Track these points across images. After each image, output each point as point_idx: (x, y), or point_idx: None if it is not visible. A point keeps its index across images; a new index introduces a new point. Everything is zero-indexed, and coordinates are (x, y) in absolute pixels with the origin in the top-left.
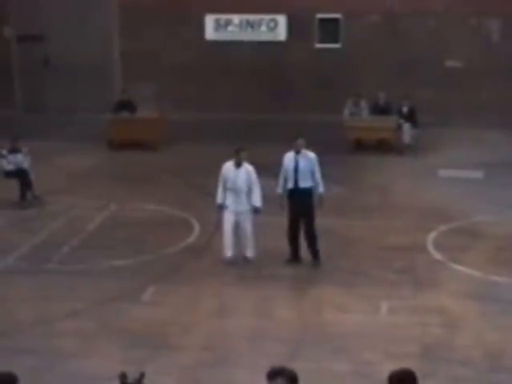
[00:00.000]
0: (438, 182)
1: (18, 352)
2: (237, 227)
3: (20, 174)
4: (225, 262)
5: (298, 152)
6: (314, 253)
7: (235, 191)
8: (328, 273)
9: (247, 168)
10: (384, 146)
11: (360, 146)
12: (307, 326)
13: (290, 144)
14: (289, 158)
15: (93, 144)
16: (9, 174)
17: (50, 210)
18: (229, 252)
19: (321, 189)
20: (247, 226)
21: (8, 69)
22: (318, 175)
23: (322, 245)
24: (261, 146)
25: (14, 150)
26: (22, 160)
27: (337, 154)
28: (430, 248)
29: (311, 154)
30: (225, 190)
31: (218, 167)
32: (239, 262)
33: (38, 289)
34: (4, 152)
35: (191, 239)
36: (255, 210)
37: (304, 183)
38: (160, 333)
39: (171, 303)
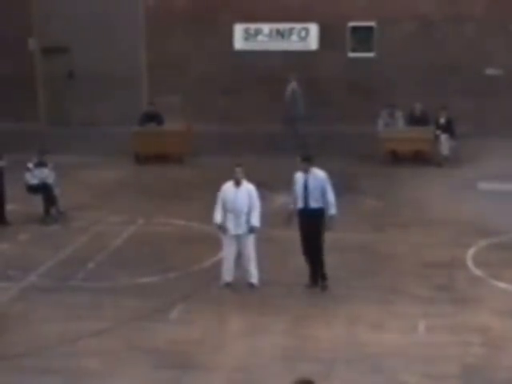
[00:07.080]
0: (478, 195)
1: (43, 372)
2: (238, 252)
3: (43, 189)
4: (221, 287)
5: (306, 171)
6: (322, 276)
7: (235, 213)
8: (363, 290)
9: (247, 187)
10: (420, 158)
11: (395, 158)
12: (342, 346)
13: (320, 157)
14: (298, 177)
15: (118, 158)
16: (32, 188)
17: (75, 226)
18: (228, 277)
19: (333, 210)
20: (250, 251)
21: (32, 81)
22: (329, 195)
23: (357, 260)
24: (291, 158)
25: (40, 164)
26: (47, 174)
27: (371, 166)
28: (470, 264)
29: (321, 174)
30: (225, 211)
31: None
32: (240, 287)
33: (62, 306)
34: (30, 165)
35: (220, 256)
36: (251, 229)
37: (314, 203)
38: (188, 352)
39: (200, 322)
